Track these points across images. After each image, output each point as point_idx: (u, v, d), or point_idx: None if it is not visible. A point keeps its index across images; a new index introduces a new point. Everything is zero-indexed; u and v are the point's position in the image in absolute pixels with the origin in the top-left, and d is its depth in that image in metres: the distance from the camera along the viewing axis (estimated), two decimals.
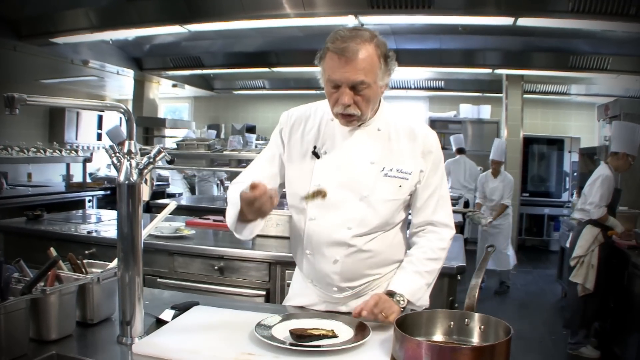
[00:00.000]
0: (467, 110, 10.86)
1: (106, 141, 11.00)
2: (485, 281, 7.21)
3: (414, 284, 2.00)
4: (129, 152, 1.68)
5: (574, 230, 5.36)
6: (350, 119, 1.95)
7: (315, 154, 2.06)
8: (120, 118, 11.14)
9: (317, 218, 2.05)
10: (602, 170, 5.05)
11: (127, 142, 1.69)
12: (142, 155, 1.75)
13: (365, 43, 1.86)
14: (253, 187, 1.77)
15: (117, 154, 1.70)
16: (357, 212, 2.01)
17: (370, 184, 2.01)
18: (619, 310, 4.93)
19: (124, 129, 6.10)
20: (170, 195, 9.20)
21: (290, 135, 2.14)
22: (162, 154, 1.70)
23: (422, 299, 2.03)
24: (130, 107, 8.94)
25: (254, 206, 1.78)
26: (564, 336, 5.38)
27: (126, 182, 1.67)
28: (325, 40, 1.91)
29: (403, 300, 1.93)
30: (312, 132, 2.09)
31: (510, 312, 6.47)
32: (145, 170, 1.70)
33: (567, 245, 5.64)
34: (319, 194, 1.93)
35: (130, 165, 1.68)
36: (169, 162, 1.75)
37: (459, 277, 3.24)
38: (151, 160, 1.70)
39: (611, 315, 5.13)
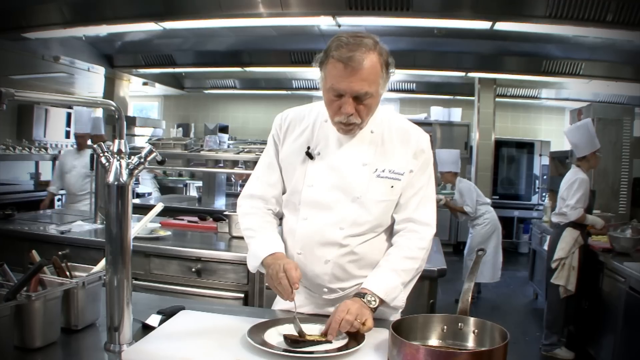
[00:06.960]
0: (437, 113, 10.91)
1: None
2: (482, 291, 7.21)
3: (390, 282, 1.95)
4: (119, 152, 1.62)
5: (552, 233, 5.39)
6: (350, 128, 1.95)
7: (309, 155, 2.05)
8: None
9: (310, 218, 2.04)
10: (577, 174, 5.08)
11: (117, 141, 1.62)
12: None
13: (369, 52, 1.83)
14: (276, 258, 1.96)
15: (106, 153, 1.64)
16: (349, 213, 2.00)
17: (363, 185, 2.00)
18: (593, 312, 4.99)
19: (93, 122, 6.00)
20: (140, 195, 9.07)
21: (284, 137, 2.14)
22: (154, 153, 1.65)
23: (397, 298, 1.99)
24: None
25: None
26: (537, 338, 5.44)
27: (115, 182, 1.60)
28: (327, 45, 1.88)
29: (375, 301, 1.88)
30: (306, 133, 2.09)
31: (482, 314, 6.39)
32: (136, 171, 1.64)
33: (545, 247, 5.68)
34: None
35: (120, 165, 1.62)
36: (160, 163, 1.69)
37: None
38: (142, 160, 1.64)
39: (585, 317, 5.19)
